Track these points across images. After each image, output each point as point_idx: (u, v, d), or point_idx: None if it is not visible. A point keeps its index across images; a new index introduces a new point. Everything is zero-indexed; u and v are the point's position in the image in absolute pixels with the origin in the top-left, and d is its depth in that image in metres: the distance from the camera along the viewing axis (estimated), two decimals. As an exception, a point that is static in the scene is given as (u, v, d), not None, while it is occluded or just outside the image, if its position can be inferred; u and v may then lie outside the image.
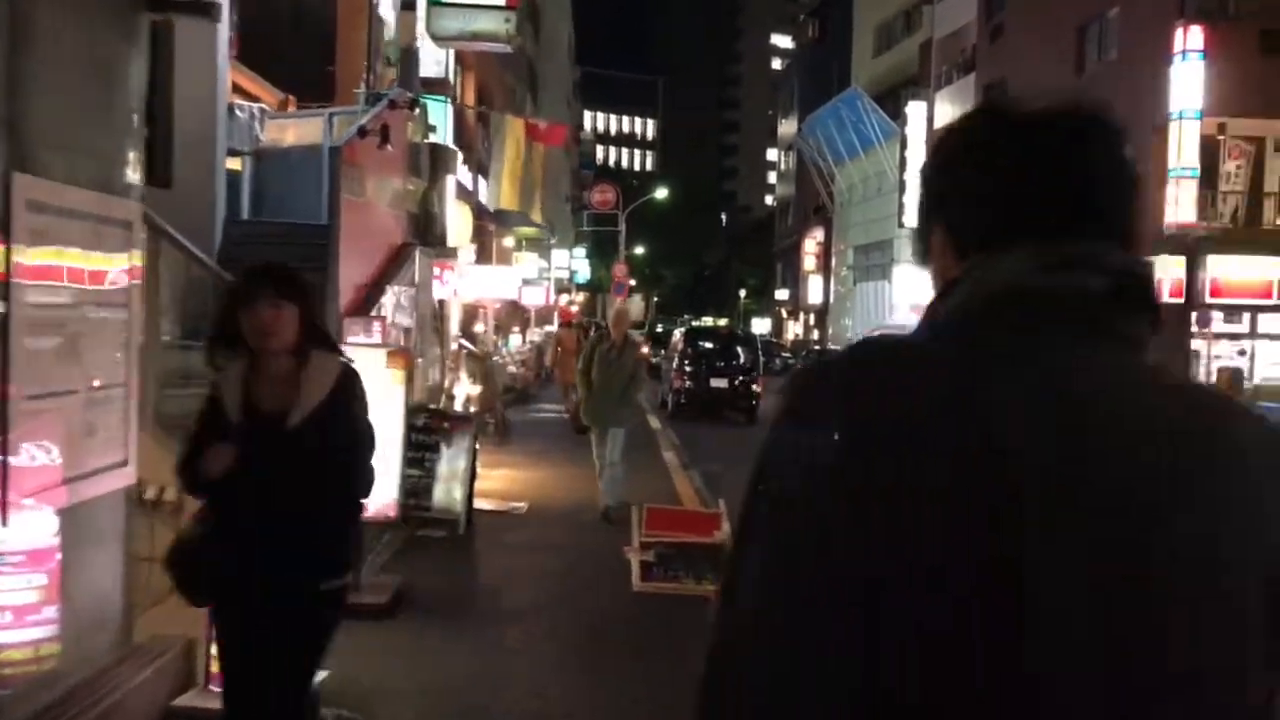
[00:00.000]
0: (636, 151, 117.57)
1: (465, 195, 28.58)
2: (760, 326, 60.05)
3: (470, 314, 18.20)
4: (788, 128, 65.82)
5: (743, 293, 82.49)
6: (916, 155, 35.95)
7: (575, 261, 62.61)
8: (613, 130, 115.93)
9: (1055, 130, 0.97)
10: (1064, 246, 0.94)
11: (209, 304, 5.12)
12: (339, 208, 7.61)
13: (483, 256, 29.04)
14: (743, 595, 0.90)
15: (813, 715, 0.84)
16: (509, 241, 31.35)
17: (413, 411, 6.79)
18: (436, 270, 14.68)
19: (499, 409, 14.18)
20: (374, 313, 7.27)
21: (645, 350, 15.71)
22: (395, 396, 5.78)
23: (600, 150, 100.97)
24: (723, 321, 70.23)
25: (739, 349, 22.21)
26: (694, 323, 45.22)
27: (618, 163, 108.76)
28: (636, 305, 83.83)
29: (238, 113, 8.15)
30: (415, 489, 6.93)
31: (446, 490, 7.24)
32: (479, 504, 8.54)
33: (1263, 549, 0.89)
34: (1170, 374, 0.97)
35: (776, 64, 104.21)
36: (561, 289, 58.05)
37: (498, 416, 13.85)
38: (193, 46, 5.67)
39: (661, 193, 53.79)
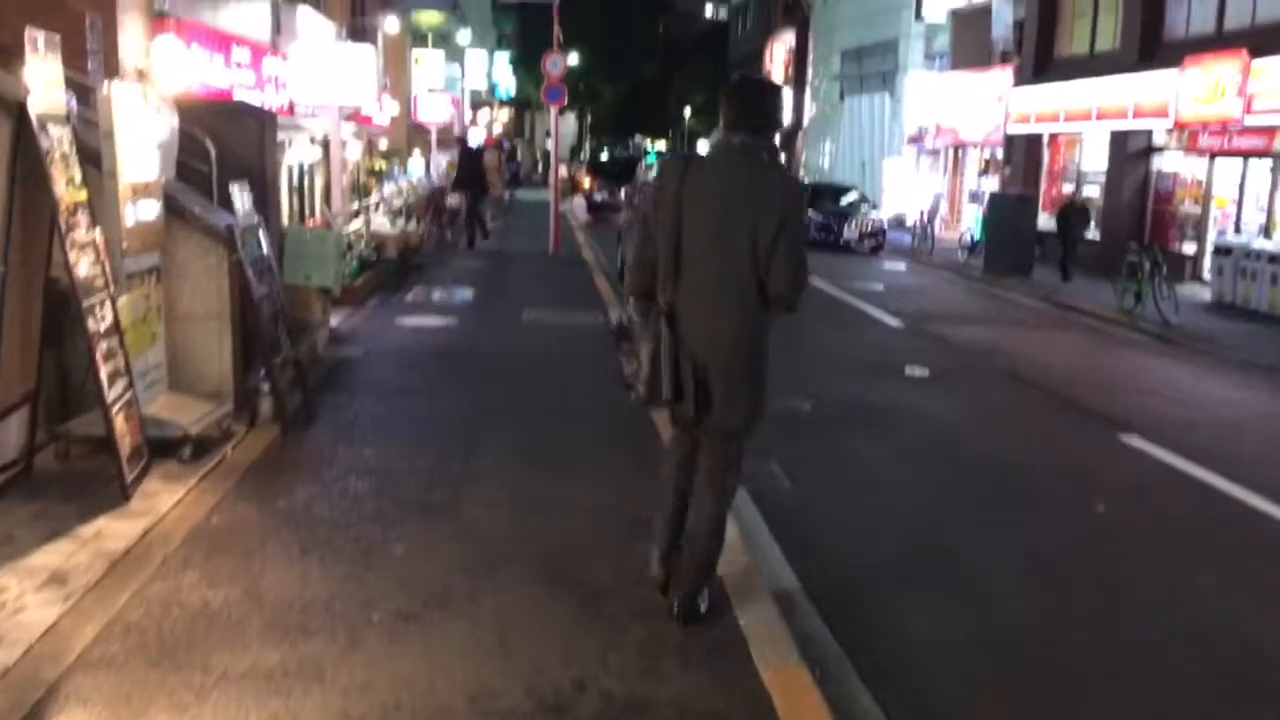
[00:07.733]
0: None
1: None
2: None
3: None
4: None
5: (688, 111, 73.66)
6: (944, -78, 27.35)
7: (498, 71, 52.38)
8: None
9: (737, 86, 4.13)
10: (735, 131, 3.95)
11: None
12: None
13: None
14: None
15: (643, 260, 4.06)
16: (393, 26, 22.24)
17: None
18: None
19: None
20: None
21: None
22: None
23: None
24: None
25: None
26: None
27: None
28: (569, 125, 74.52)
29: None
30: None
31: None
32: None
33: (751, 215, 3.80)
34: (764, 164, 3.95)
35: None
36: (479, 104, 48.19)
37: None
38: None
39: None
